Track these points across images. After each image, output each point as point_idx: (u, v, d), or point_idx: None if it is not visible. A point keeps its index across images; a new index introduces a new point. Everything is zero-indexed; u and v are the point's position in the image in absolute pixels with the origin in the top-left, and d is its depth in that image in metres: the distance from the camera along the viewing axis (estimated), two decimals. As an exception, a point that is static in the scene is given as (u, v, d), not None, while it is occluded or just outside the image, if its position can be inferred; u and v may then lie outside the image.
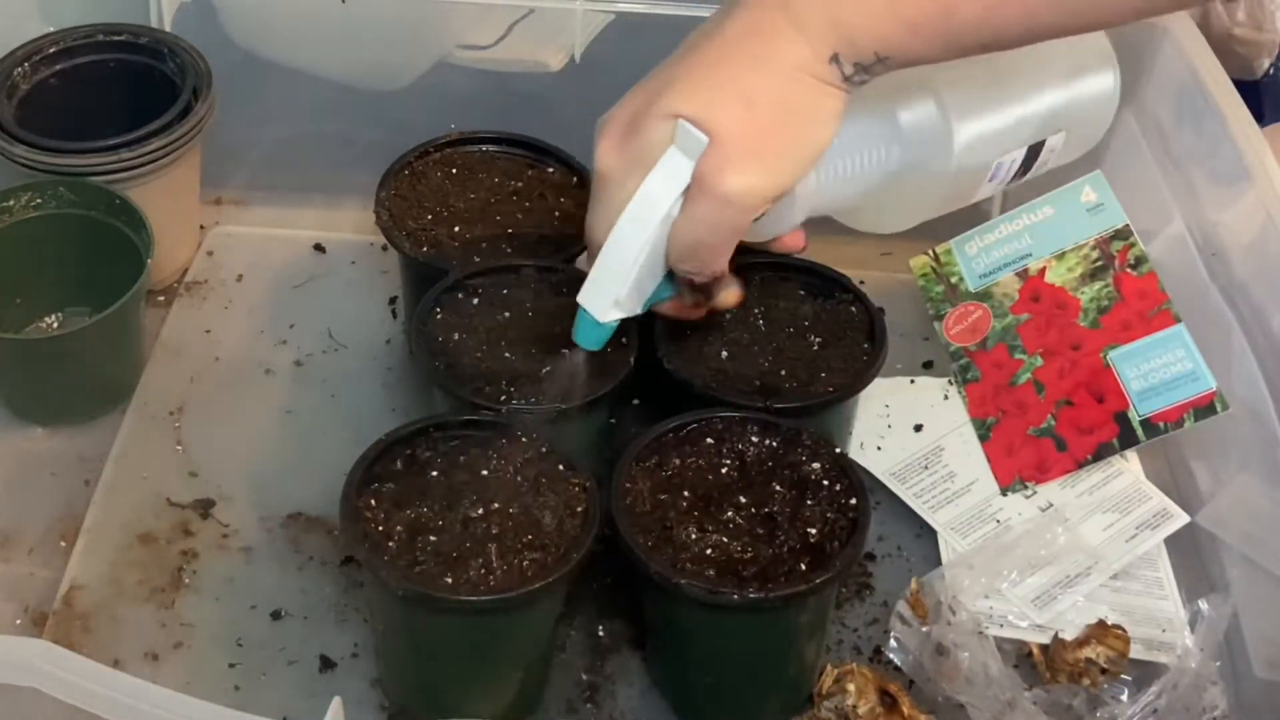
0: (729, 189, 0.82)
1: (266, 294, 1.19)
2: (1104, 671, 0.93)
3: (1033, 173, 1.03)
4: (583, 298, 0.88)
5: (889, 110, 0.94)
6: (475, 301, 1.00)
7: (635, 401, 1.06)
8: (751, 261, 1.04)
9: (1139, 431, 1.03)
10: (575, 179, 1.11)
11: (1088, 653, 0.93)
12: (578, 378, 0.92)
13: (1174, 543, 1.02)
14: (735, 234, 0.85)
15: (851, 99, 0.85)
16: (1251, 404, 0.98)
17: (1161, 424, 1.02)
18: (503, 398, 0.94)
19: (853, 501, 0.90)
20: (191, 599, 0.97)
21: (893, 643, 0.95)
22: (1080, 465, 1.04)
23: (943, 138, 0.94)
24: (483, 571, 0.84)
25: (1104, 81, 1.05)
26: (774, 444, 0.93)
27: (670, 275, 0.89)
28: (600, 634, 0.96)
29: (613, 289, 0.86)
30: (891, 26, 0.81)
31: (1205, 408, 1.01)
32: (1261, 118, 1.24)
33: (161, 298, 1.18)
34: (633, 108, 0.86)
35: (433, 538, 0.86)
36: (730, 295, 0.92)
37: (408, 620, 0.87)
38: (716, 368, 0.98)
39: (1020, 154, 0.99)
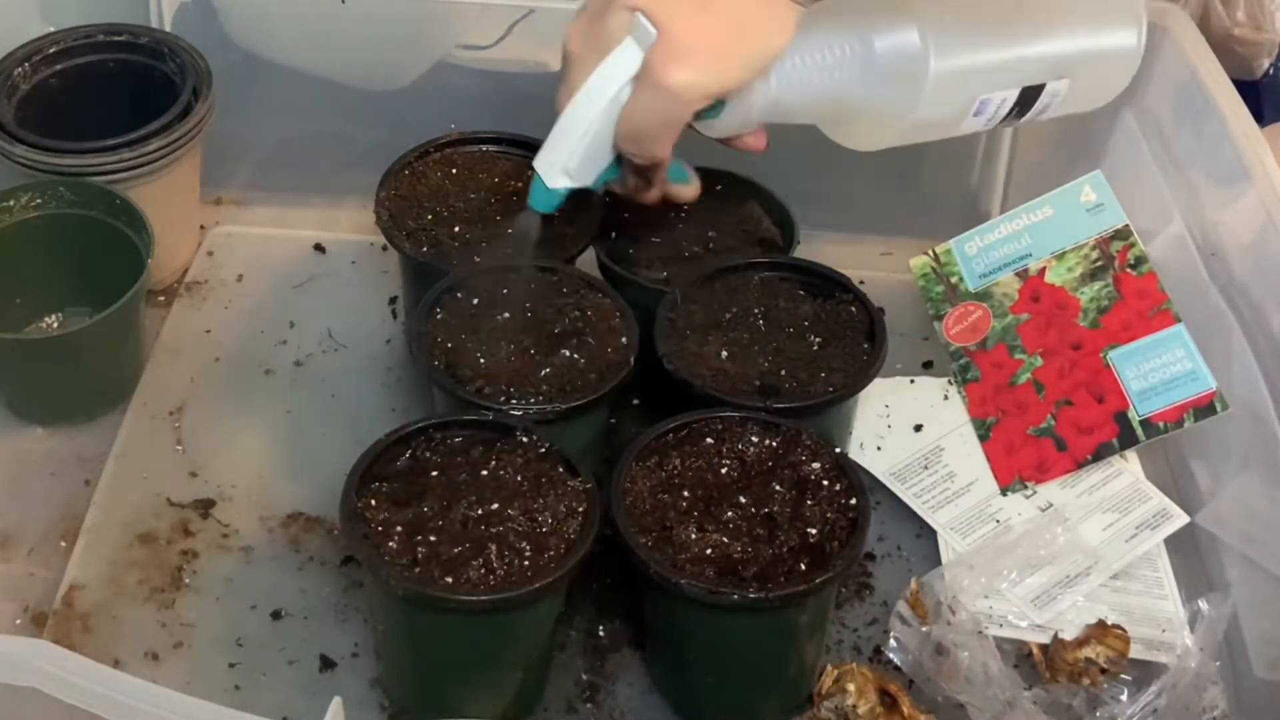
0: (670, 82, 0.87)
1: (266, 294, 1.19)
2: (1104, 671, 0.93)
3: (1030, 116, 0.99)
4: (536, 162, 0.94)
5: (866, 30, 0.91)
6: (475, 301, 1.00)
7: (635, 401, 1.06)
8: (751, 261, 1.05)
9: (1139, 431, 1.03)
10: (575, 179, 1.11)
11: (1087, 652, 0.93)
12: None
13: (1174, 543, 1.02)
14: (674, 124, 0.90)
15: (830, 11, 0.88)
16: (1251, 404, 0.98)
17: (1161, 424, 1.02)
18: (503, 398, 0.94)
19: (852, 501, 0.90)
20: (191, 599, 0.97)
21: (892, 642, 0.95)
22: (1080, 465, 1.04)
23: (918, 68, 0.91)
24: (483, 571, 0.84)
25: (1126, 37, 0.99)
26: (774, 444, 0.93)
27: (620, 157, 0.94)
28: (600, 634, 0.96)
29: (562, 158, 0.92)
30: None
31: (1205, 408, 1.01)
32: (1261, 118, 1.24)
33: (161, 298, 1.18)
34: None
35: (433, 538, 0.86)
36: (687, 190, 0.98)
37: (408, 620, 0.87)
38: (716, 368, 0.98)
39: (1013, 94, 0.95)
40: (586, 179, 0.94)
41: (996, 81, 0.95)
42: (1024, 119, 0.99)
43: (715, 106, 0.91)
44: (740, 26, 0.89)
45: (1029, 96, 0.96)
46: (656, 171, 0.94)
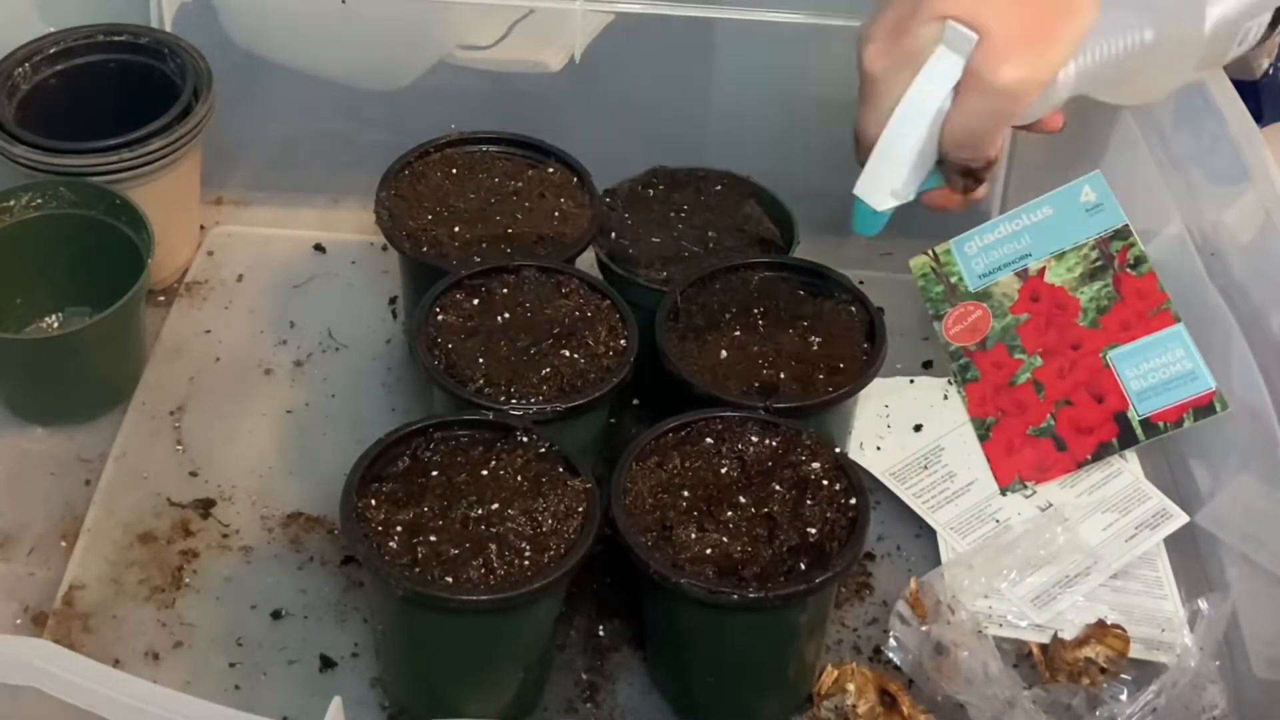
0: (1003, 81, 0.87)
1: (266, 294, 1.19)
2: (1103, 671, 0.93)
3: (1267, 36, 0.97)
4: (860, 189, 0.93)
5: None
6: (475, 301, 1.00)
7: (635, 401, 1.06)
8: (751, 261, 1.05)
9: (1138, 431, 1.03)
10: (575, 179, 1.11)
11: (1087, 652, 0.93)
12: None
13: (1173, 542, 1.02)
14: (1008, 121, 0.91)
15: None
16: (1251, 404, 0.98)
17: (1161, 424, 1.02)
18: (503, 398, 0.94)
19: (852, 501, 0.90)
20: (191, 599, 0.98)
21: (892, 642, 0.95)
22: (1080, 465, 1.04)
23: (1196, 10, 0.91)
24: (483, 571, 0.84)
25: None
26: (774, 444, 0.93)
27: (937, 165, 0.93)
28: (600, 634, 0.96)
29: (889, 180, 0.91)
30: None
31: (1205, 407, 1.01)
32: (1261, 118, 1.24)
33: (161, 298, 1.18)
34: (897, 14, 0.90)
35: (433, 538, 0.86)
36: (986, 188, 0.97)
37: (408, 620, 0.87)
38: (716, 368, 0.98)
39: (1267, 17, 0.95)
40: (911, 194, 0.94)
41: (1260, 8, 0.94)
42: (1270, 39, 0.98)
43: None
44: (1053, 9, 0.88)
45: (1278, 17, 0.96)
46: (989, 169, 0.94)
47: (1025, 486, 1.04)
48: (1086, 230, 1.09)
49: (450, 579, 0.84)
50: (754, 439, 0.93)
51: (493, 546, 0.85)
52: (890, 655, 0.95)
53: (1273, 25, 0.97)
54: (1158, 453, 1.07)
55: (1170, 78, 0.98)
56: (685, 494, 0.90)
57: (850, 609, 0.99)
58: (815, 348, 1.00)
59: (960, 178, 0.94)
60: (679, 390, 0.97)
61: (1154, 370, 1.03)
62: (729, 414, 0.94)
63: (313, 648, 0.95)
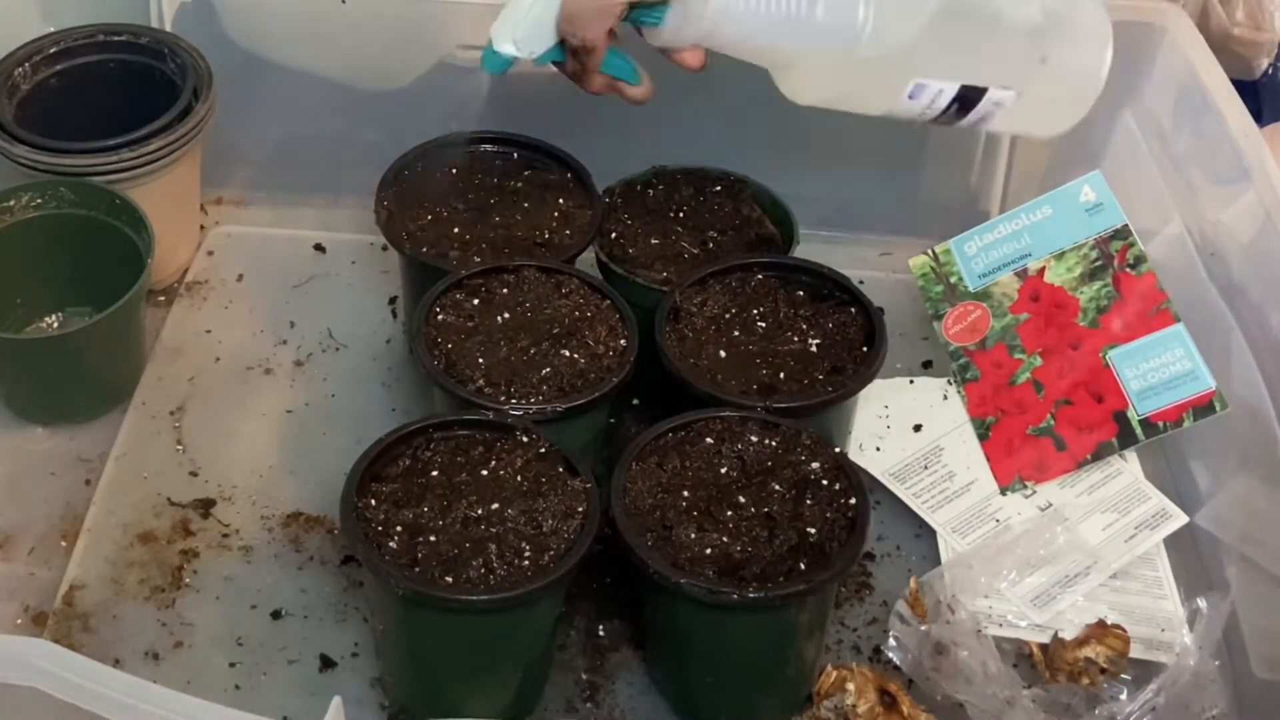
0: None
1: (266, 294, 1.19)
2: (1103, 671, 0.93)
3: (970, 120, 0.97)
4: (492, 29, 0.99)
5: None
6: (475, 301, 1.00)
7: (635, 401, 1.06)
8: (751, 261, 1.05)
9: (1138, 431, 1.03)
10: (575, 179, 1.11)
11: (1087, 652, 0.93)
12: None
13: (1173, 542, 1.02)
14: (606, 11, 0.94)
15: None
16: (1250, 404, 0.98)
17: (1161, 423, 1.02)
18: (503, 398, 0.94)
19: (852, 501, 0.90)
20: (191, 598, 0.98)
21: (892, 642, 0.95)
22: (1079, 465, 1.04)
23: (853, 33, 0.91)
24: (483, 571, 0.84)
25: (1088, 60, 0.97)
26: (773, 444, 0.93)
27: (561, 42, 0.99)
28: (600, 634, 0.96)
29: (509, 28, 0.98)
30: None
31: (1204, 407, 1.01)
32: (1261, 118, 1.24)
33: (162, 298, 1.18)
34: None
35: (433, 538, 0.86)
36: (634, 90, 1.00)
37: (408, 620, 0.87)
38: (716, 368, 0.98)
39: (951, 89, 0.95)
40: (532, 51, 0.98)
41: (935, 69, 0.94)
42: (965, 121, 0.97)
43: (657, 10, 0.94)
44: None
45: (970, 97, 0.95)
46: (591, 57, 0.97)
47: (1025, 486, 1.04)
48: (1086, 230, 1.09)
49: (450, 579, 0.84)
50: (754, 439, 0.93)
51: (493, 546, 0.85)
52: (890, 655, 0.95)
53: (963, 109, 0.96)
54: (1158, 453, 1.07)
55: (818, 86, 0.96)
56: (685, 494, 0.90)
57: (850, 609, 0.99)
58: (815, 348, 1.00)
59: (570, 58, 0.99)
60: (679, 390, 0.97)
61: (1154, 370, 1.03)
62: (729, 414, 0.94)
63: (313, 648, 0.95)
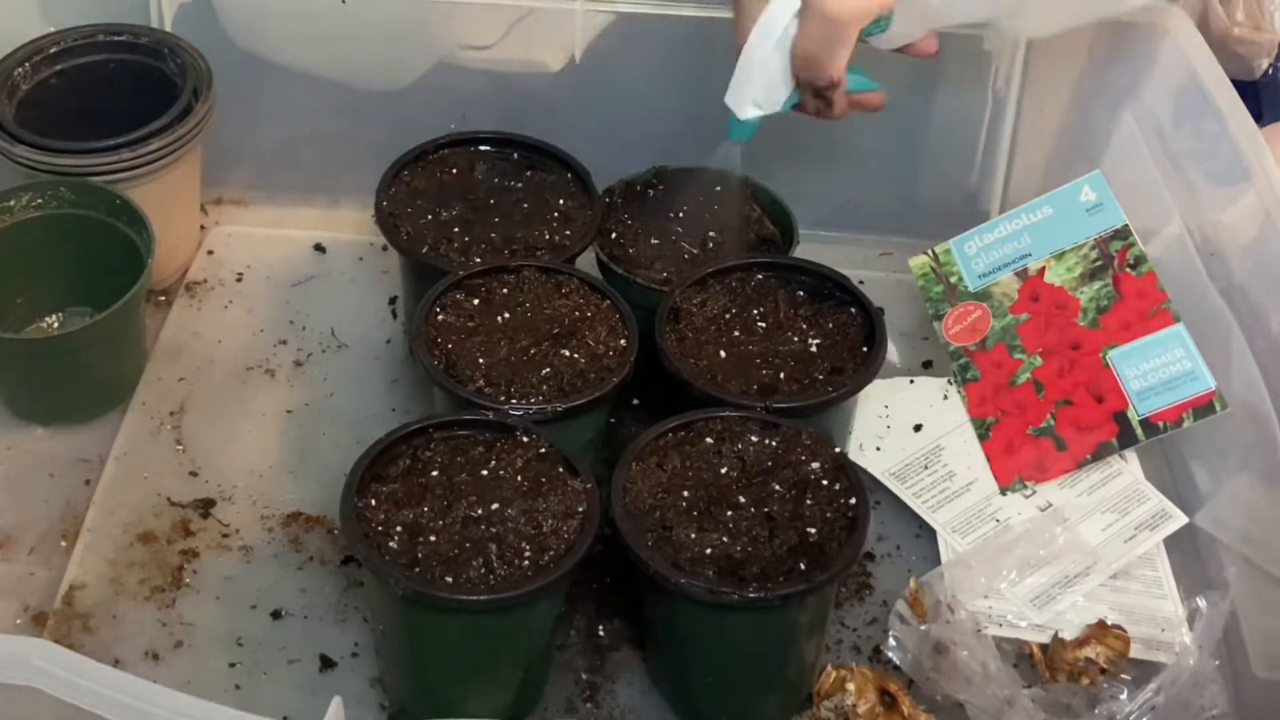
0: (832, 10, 0.94)
1: (266, 294, 1.19)
2: (1103, 671, 0.93)
3: None
4: (727, 99, 1.00)
5: None
6: (475, 301, 1.00)
7: (635, 401, 1.06)
8: (751, 261, 1.05)
9: (1138, 431, 1.03)
10: (575, 179, 1.11)
11: (1087, 652, 0.93)
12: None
13: (1173, 543, 1.02)
14: (842, 45, 0.96)
15: None
16: (1250, 404, 0.98)
17: (1161, 423, 1.02)
18: (503, 398, 0.94)
19: (852, 501, 0.90)
20: (191, 598, 0.98)
21: (892, 642, 0.95)
22: (1079, 465, 1.04)
23: None
24: (483, 571, 0.84)
25: None
26: (774, 444, 0.93)
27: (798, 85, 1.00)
28: (600, 634, 0.96)
29: (749, 92, 0.99)
30: None
31: (1204, 407, 1.01)
32: (1261, 118, 1.24)
33: (162, 298, 1.18)
34: None
35: (433, 538, 0.86)
36: (873, 98, 1.02)
37: (408, 620, 0.87)
38: (716, 368, 0.98)
39: None
40: (774, 106, 1.00)
41: None
42: None
43: (880, 21, 0.96)
44: None
45: None
46: (834, 91, 0.99)
47: (1025, 486, 1.04)
48: (1086, 230, 1.09)
49: (450, 579, 0.84)
50: (754, 439, 0.93)
51: (493, 546, 0.85)
52: (890, 655, 0.95)
53: None
54: (1158, 453, 1.07)
55: (1055, 12, 0.99)
56: (685, 494, 0.90)
57: (850, 609, 0.99)
58: (815, 348, 1.00)
59: (811, 97, 1.00)
60: (679, 390, 0.97)
61: (1154, 370, 1.03)
62: (729, 414, 0.94)
63: (313, 648, 0.95)
